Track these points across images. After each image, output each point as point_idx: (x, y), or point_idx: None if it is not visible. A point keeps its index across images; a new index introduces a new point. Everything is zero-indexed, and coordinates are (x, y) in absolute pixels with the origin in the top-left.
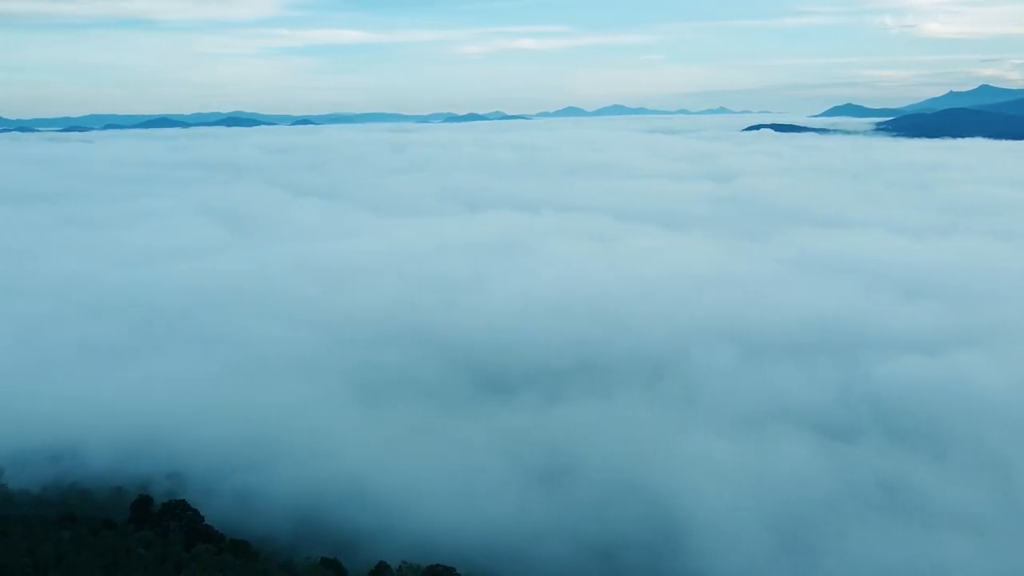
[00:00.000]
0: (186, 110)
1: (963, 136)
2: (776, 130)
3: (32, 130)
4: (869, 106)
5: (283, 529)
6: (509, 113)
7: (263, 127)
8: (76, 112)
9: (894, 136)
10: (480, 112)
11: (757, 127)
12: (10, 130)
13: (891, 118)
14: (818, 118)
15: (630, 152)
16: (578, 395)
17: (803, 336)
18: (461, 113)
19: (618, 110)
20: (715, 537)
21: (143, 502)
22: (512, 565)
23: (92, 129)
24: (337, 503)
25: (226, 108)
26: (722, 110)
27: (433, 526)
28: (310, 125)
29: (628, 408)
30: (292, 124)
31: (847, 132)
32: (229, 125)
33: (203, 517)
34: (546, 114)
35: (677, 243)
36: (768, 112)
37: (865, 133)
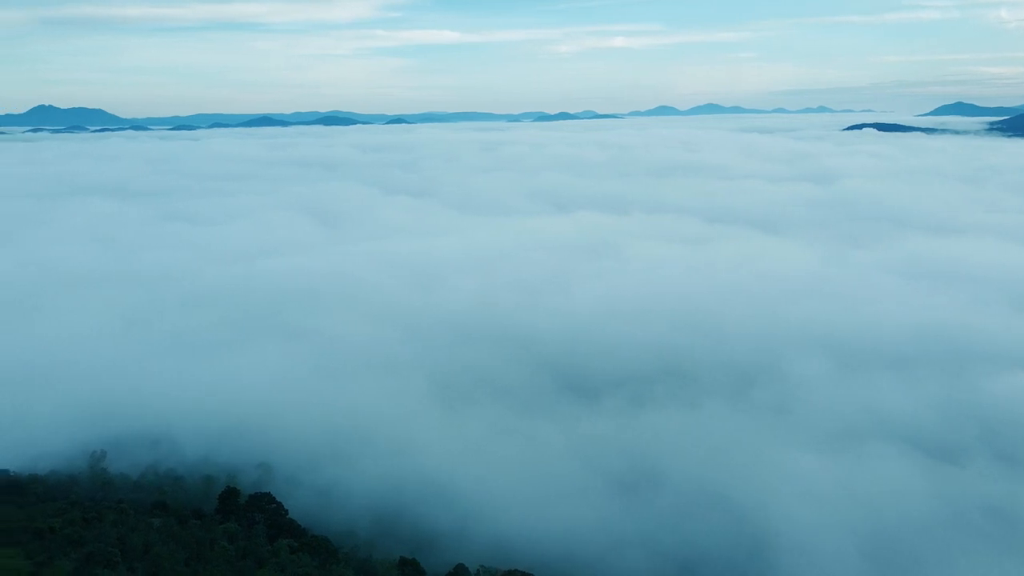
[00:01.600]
0: (287, 109)
1: None
2: (880, 130)
3: (145, 128)
4: (981, 104)
5: (362, 525)
6: (600, 112)
7: (358, 126)
8: (185, 111)
9: (1009, 136)
10: (571, 111)
11: (859, 126)
12: (124, 128)
13: (1006, 117)
14: (925, 117)
15: (724, 152)
16: (662, 402)
17: (906, 348)
18: (552, 112)
19: (712, 109)
20: (803, 558)
21: (230, 494)
22: (589, 574)
23: (199, 128)
24: (416, 501)
25: (324, 107)
26: (822, 109)
27: (511, 530)
28: (403, 124)
29: (714, 418)
30: (386, 123)
31: (957, 132)
32: (327, 124)
33: (286, 510)
34: (638, 113)
35: (771, 247)
36: (871, 111)
37: (976, 133)
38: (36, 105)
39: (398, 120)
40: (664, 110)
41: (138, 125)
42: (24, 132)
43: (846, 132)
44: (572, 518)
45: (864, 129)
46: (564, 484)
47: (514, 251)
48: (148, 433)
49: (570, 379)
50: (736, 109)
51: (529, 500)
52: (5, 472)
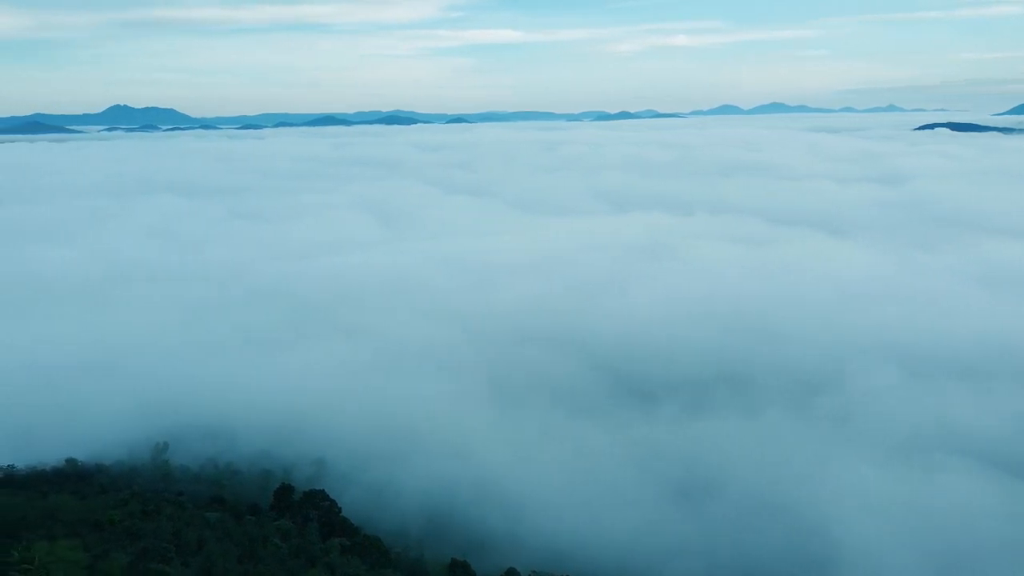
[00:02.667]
0: (350, 109)
1: None
2: (953, 129)
3: (213, 127)
4: None
5: (414, 524)
6: (662, 111)
7: (419, 125)
8: (252, 111)
9: None
10: (632, 110)
11: (931, 126)
12: (194, 127)
13: None
14: (1002, 116)
15: (789, 152)
16: (721, 408)
17: (979, 358)
18: (612, 112)
19: (777, 108)
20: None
21: (285, 490)
22: None
23: (265, 127)
24: (468, 502)
25: (386, 107)
26: (892, 108)
27: (564, 535)
28: (463, 123)
29: (775, 426)
30: (447, 122)
31: None
32: (388, 123)
33: (340, 508)
34: (700, 112)
35: (838, 250)
36: (944, 110)
37: None
38: (112, 105)
39: (458, 119)
40: (727, 109)
41: (207, 124)
42: (100, 131)
43: (917, 132)
44: (626, 525)
45: (936, 129)
46: (618, 490)
47: (573, 251)
48: (209, 426)
49: (626, 383)
50: (801, 108)
51: (583, 505)
52: (73, 461)
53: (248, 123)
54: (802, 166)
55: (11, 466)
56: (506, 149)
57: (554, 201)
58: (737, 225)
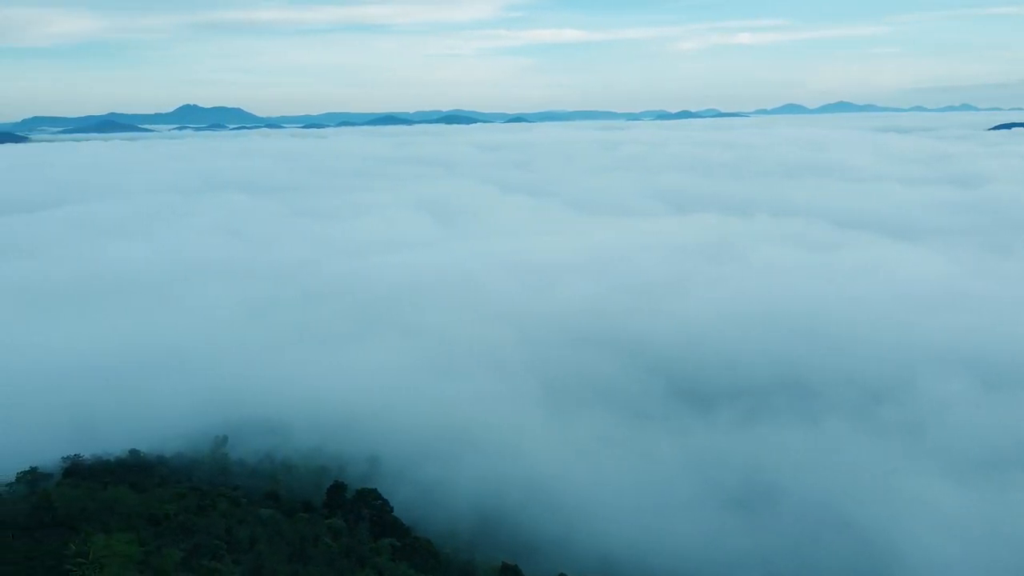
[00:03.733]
0: (410, 108)
1: None
2: None
3: (278, 127)
4: None
5: (465, 526)
6: (724, 111)
7: (479, 124)
8: (315, 110)
9: None
10: (693, 110)
11: (1008, 126)
12: (260, 127)
13: None
14: None
15: (856, 153)
16: (782, 417)
17: None
18: (673, 111)
19: (843, 107)
20: None
21: (337, 488)
22: None
23: (328, 126)
24: (519, 505)
25: (446, 106)
26: (965, 107)
27: (617, 541)
28: (523, 123)
29: (839, 436)
30: (506, 122)
31: None
32: (448, 122)
33: (391, 507)
34: (764, 112)
35: (907, 255)
36: (1021, 109)
37: None
38: (182, 105)
39: (518, 119)
40: (791, 108)
41: (272, 123)
42: (170, 130)
43: (993, 132)
44: (681, 533)
45: (1013, 129)
46: (674, 497)
47: (631, 253)
48: (267, 421)
49: (684, 387)
50: (869, 107)
51: (637, 511)
52: (136, 452)
53: (312, 122)
54: (870, 167)
55: (78, 455)
56: (565, 149)
57: (612, 201)
58: (801, 228)
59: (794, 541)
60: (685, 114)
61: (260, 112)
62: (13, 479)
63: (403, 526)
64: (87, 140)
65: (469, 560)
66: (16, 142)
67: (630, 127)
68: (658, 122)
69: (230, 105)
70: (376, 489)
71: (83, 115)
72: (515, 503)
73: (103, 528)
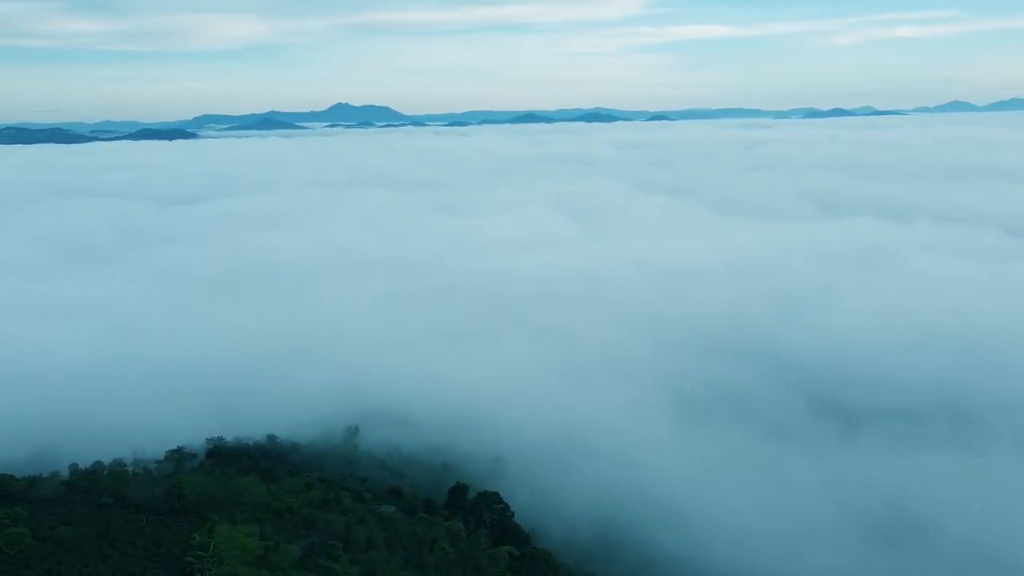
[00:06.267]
0: (551, 106)
1: None
2: None
3: (423, 125)
4: None
5: (583, 535)
6: (881, 108)
7: (619, 123)
8: (458, 109)
9: None
10: (846, 107)
11: None
12: (406, 124)
13: None
14: None
15: None
16: (937, 443)
17: None
18: (824, 108)
19: (1017, 104)
20: None
21: (459, 489)
22: None
23: (470, 124)
24: (641, 519)
25: (587, 104)
26: None
27: (744, 566)
28: (664, 121)
29: (1003, 467)
30: (647, 120)
31: None
32: (588, 121)
33: (512, 512)
34: (925, 109)
35: None
36: None
37: None
38: (334, 103)
39: (659, 117)
40: (957, 106)
41: (417, 121)
42: (323, 127)
43: None
44: (817, 563)
45: None
46: (811, 524)
47: (774, 258)
48: (397, 415)
49: (827, 405)
50: None
51: (768, 536)
52: (273, 438)
53: (455, 120)
54: None
55: (220, 438)
56: (706, 147)
57: (755, 202)
58: (967, 236)
59: None
60: (837, 112)
61: (406, 110)
62: (162, 457)
63: (523, 533)
64: (248, 137)
65: (590, 574)
66: (187, 138)
67: (777, 125)
68: (808, 120)
69: (379, 103)
70: (498, 492)
71: (246, 113)
72: (636, 516)
73: (229, 518)
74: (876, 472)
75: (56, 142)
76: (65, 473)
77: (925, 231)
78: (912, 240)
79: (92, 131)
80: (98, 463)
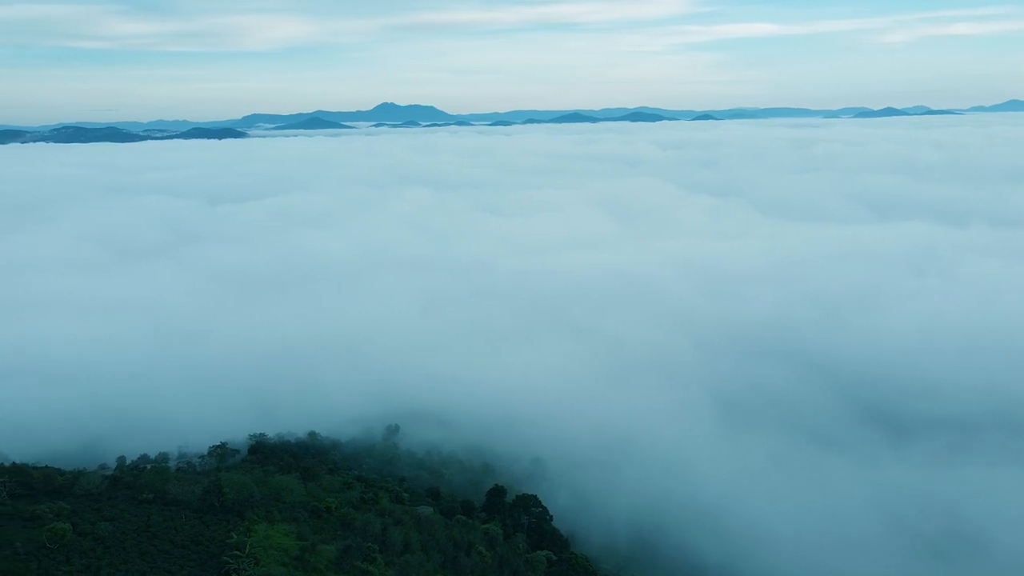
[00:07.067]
0: (596, 106)
1: None
2: None
3: (467, 124)
4: None
5: (621, 539)
6: (934, 108)
7: (665, 122)
8: (503, 108)
9: None
10: (898, 106)
11: None
12: (450, 124)
13: None
14: None
15: None
16: (992, 455)
17: None
18: (876, 108)
19: None
20: None
21: (497, 492)
22: None
23: (514, 123)
24: (680, 524)
25: (632, 104)
26: None
27: (787, 575)
28: (711, 120)
29: None
30: (693, 119)
31: None
32: (633, 120)
33: (551, 516)
34: (981, 108)
35: None
36: None
37: None
38: (380, 103)
39: (705, 116)
40: (1015, 104)
41: (462, 121)
42: (369, 127)
43: None
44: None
45: None
46: (857, 534)
47: (822, 261)
48: (437, 414)
49: (875, 413)
50: None
51: (811, 545)
52: (315, 435)
53: (499, 120)
54: None
55: (262, 434)
56: (753, 147)
57: (803, 203)
58: None
59: None
60: (889, 111)
61: (451, 109)
62: (206, 452)
63: (561, 538)
64: (295, 136)
65: None
66: (236, 137)
67: (827, 125)
68: (859, 120)
69: (423, 103)
70: (536, 495)
71: (294, 113)
72: (675, 521)
73: (267, 517)
74: (927, 484)
75: (111, 141)
76: (113, 465)
77: (981, 234)
78: (968, 244)
79: (145, 130)
80: (144, 456)
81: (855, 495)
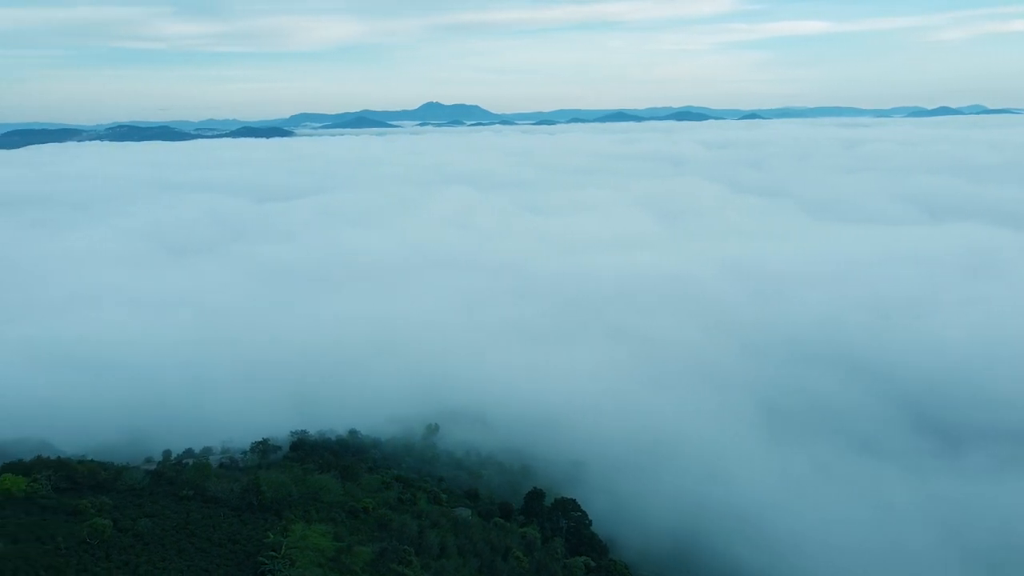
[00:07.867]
0: (640, 105)
1: None
2: None
3: (511, 123)
4: None
5: (661, 546)
6: (991, 107)
7: (711, 122)
8: (547, 107)
9: None
10: (953, 105)
11: None
12: (494, 123)
13: None
14: None
15: None
16: None
17: None
18: (929, 107)
19: None
20: None
21: (536, 495)
22: None
23: (558, 123)
24: (720, 532)
25: (677, 103)
26: None
27: None
28: (757, 120)
29: None
30: (740, 119)
31: None
32: (678, 119)
33: (590, 520)
34: None
35: None
36: None
37: None
38: (425, 102)
39: (752, 115)
40: None
41: (506, 120)
42: (414, 126)
43: None
44: None
45: None
46: (906, 546)
47: (872, 264)
48: (477, 414)
49: (926, 422)
50: None
51: (858, 555)
52: (355, 433)
53: (543, 119)
54: None
55: (304, 431)
56: (802, 147)
57: (853, 205)
58: None
59: None
60: (944, 110)
61: (495, 109)
62: (248, 447)
63: (600, 543)
64: (342, 135)
65: None
66: (284, 136)
67: (878, 124)
68: (912, 119)
69: (468, 102)
70: (575, 500)
71: (340, 112)
72: (717, 529)
73: (305, 516)
74: (981, 496)
75: (163, 139)
76: (158, 458)
77: None
78: None
79: (196, 129)
80: (189, 450)
81: (903, 504)
